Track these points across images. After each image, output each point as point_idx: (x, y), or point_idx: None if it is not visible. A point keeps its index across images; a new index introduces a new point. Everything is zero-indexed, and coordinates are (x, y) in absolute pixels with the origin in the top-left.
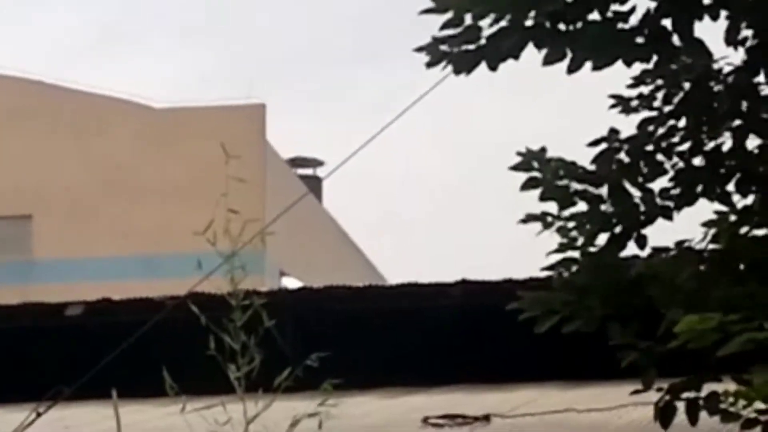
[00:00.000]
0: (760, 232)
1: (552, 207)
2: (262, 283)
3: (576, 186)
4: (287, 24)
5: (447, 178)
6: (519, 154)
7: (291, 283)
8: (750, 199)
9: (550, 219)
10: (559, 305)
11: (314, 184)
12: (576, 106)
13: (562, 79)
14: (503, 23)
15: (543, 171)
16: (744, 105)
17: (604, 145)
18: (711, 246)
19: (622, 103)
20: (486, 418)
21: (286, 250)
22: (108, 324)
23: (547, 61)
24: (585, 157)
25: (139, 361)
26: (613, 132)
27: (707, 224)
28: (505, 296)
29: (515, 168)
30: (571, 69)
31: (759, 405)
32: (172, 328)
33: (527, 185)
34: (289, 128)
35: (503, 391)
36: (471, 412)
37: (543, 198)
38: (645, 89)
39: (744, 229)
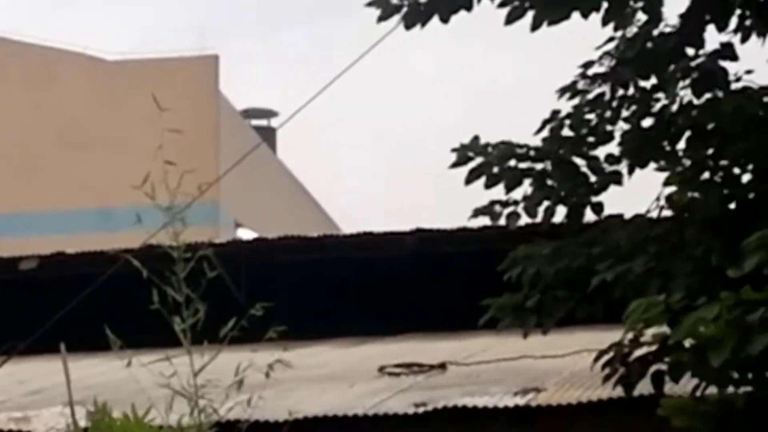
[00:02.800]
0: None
1: (500, 192)
2: (217, 234)
3: (521, 165)
4: None
5: (405, 127)
6: (453, 150)
7: (246, 234)
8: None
9: (498, 208)
10: (530, 308)
11: (269, 135)
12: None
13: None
14: None
15: (485, 156)
16: (689, 52)
17: (549, 126)
18: (664, 212)
19: (568, 90)
20: (442, 366)
21: (241, 202)
22: (62, 277)
23: (509, 21)
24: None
25: (94, 314)
26: (556, 112)
27: (660, 169)
28: (460, 243)
29: (454, 165)
30: (534, 27)
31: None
32: (126, 281)
33: (471, 177)
34: (243, 79)
35: (459, 339)
36: (427, 360)
37: (488, 185)
38: (591, 71)
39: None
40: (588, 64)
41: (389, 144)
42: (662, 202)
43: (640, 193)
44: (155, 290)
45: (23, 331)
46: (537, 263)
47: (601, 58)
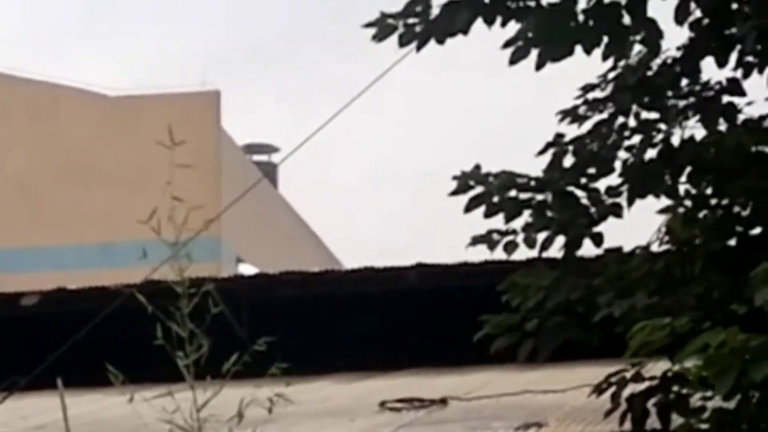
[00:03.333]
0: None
1: (498, 223)
2: (219, 269)
3: (521, 196)
4: (246, 12)
5: (406, 164)
6: (454, 177)
7: (247, 269)
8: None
9: (496, 237)
10: (528, 331)
11: (270, 170)
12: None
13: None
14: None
15: (486, 186)
16: (685, 83)
17: (552, 150)
18: (665, 246)
19: (569, 114)
20: (443, 401)
21: (243, 237)
22: (64, 313)
23: (513, 61)
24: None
25: (96, 349)
26: (559, 136)
27: (662, 211)
28: (460, 279)
29: (454, 193)
30: (539, 65)
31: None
32: (129, 316)
33: (471, 206)
34: (245, 115)
35: (459, 374)
36: (428, 395)
37: (488, 215)
38: (591, 96)
39: (699, 216)
40: (588, 88)
41: (391, 178)
42: (663, 234)
43: (639, 224)
44: (158, 325)
45: (25, 367)
46: (536, 295)
47: (601, 83)
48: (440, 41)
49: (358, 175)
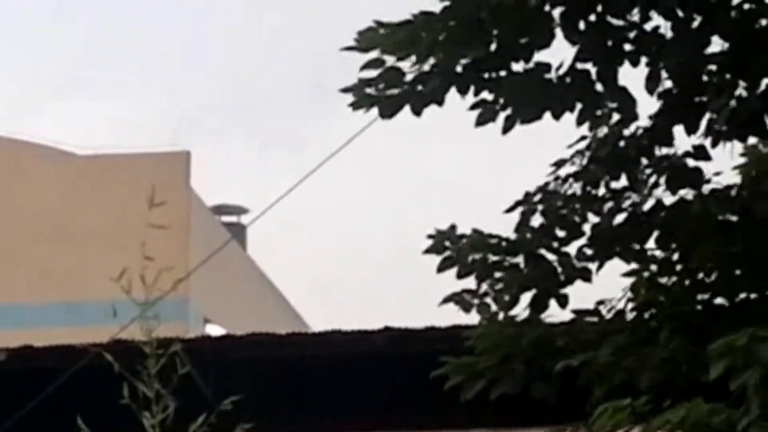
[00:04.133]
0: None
1: (470, 283)
2: (186, 330)
3: (493, 258)
4: (213, 72)
5: (375, 225)
6: (429, 236)
7: (214, 330)
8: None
9: (468, 297)
10: (484, 370)
11: (239, 232)
12: (505, 147)
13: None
14: (426, 67)
15: (457, 250)
16: (658, 151)
17: (521, 209)
18: (630, 304)
19: (540, 191)
20: None
21: (211, 298)
22: (31, 371)
23: (480, 122)
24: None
25: (62, 408)
26: (528, 195)
27: (627, 274)
28: (427, 343)
29: (428, 251)
30: (506, 128)
31: None
32: (95, 375)
33: (443, 266)
34: (214, 176)
35: None
36: None
37: (460, 276)
38: (563, 171)
39: (663, 280)
40: (560, 163)
41: (360, 241)
42: (627, 297)
43: (605, 288)
44: (125, 384)
45: None
46: (497, 334)
47: (573, 156)
48: (416, 112)
49: (328, 236)
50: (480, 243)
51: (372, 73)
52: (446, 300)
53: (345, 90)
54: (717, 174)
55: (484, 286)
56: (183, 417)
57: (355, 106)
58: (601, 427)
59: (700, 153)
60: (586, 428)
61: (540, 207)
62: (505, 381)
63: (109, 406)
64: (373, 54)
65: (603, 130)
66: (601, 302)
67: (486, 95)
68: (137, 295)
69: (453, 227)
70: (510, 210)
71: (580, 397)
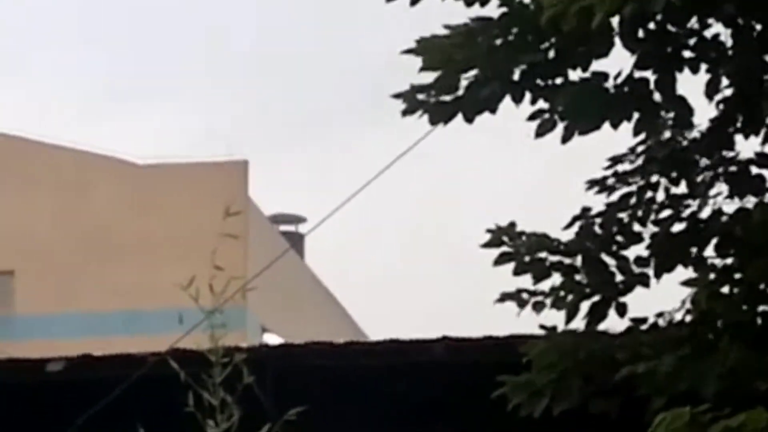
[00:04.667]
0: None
1: (527, 281)
2: (244, 339)
3: (551, 258)
4: (272, 83)
5: (434, 234)
6: (489, 231)
7: (272, 339)
8: (729, 261)
9: (525, 296)
10: (543, 388)
11: (296, 241)
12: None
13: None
14: (481, 74)
15: (516, 246)
16: (718, 156)
17: (579, 223)
18: (689, 316)
19: (598, 184)
20: None
21: (268, 307)
22: (89, 380)
23: (539, 133)
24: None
25: (121, 417)
26: (586, 210)
27: (686, 283)
28: (486, 353)
29: (487, 245)
30: (565, 138)
31: None
32: (155, 384)
33: (500, 260)
34: (272, 185)
35: None
36: None
37: (517, 273)
38: (620, 167)
39: (724, 290)
40: (616, 159)
41: (419, 250)
42: (687, 306)
43: (664, 299)
44: (190, 393)
45: None
46: (556, 350)
47: (629, 154)
48: (469, 119)
49: (386, 246)
50: (538, 243)
51: (428, 78)
52: (502, 298)
53: (396, 96)
54: None
55: (541, 286)
56: (242, 426)
57: (405, 112)
58: None
59: (763, 160)
60: None
61: (598, 220)
62: (565, 397)
63: (169, 415)
64: (431, 61)
65: (662, 136)
66: (660, 314)
67: (542, 104)
68: (197, 304)
69: (512, 224)
70: (568, 226)
71: (639, 410)
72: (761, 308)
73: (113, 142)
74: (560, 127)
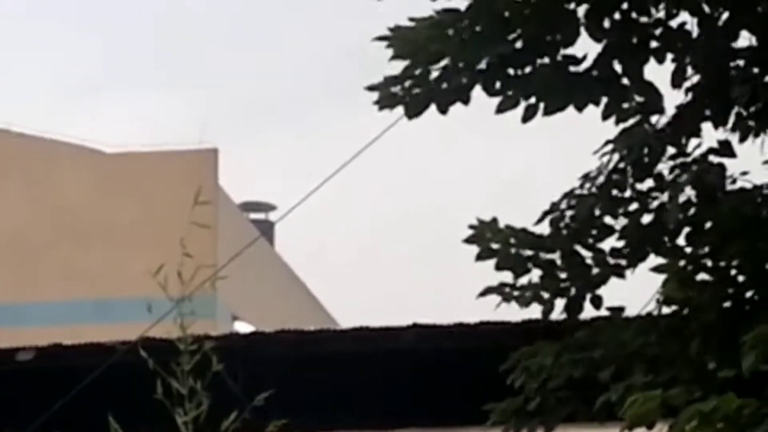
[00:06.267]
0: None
1: (509, 276)
2: (214, 327)
3: (529, 253)
4: (241, 71)
5: (404, 223)
6: (470, 226)
7: (243, 327)
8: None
9: (507, 290)
10: (530, 410)
11: (267, 229)
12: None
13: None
14: (452, 65)
15: (497, 241)
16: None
17: (550, 217)
18: (665, 308)
19: (567, 197)
20: None
21: (239, 295)
22: (59, 369)
23: (500, 109)
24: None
25: (90, 406)
26: (554, 204)
27: (657, 269)
28: (456, 339)
29: (467, 241)
30: (526, 117)
31: None
32: (124, 373)
33: (481, 256)
34: (242, 173)
35: None
36: None
37: (498, 268)
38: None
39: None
40: (587, 177)
41: (389, 239)
42: (660, 297)
43: (637, 291)
44: (159, 381)
45: (20, 423)
46: (539, 376)
47: (599, 168)
48: (442, 110)
49: (356, 234)
50: (516, 237)
51: (398, 67)
52: (484, 292)
53: (371, 88)
54: (744, 173)
55: (522, 281)
56: (211, 414)
57: (380, 105)
58: (632, 417)
59: (725, 149)
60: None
61: (569, 213)
62: (555, 414)
63: (139, 403)
64: (402, 50)
65: (630, 134)
66: (637, 317)
67: (512, 92)
68: (166, 293)
69: (494, 219)
70: (539, 221)
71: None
72: (731, 293)
73: (85, 131)
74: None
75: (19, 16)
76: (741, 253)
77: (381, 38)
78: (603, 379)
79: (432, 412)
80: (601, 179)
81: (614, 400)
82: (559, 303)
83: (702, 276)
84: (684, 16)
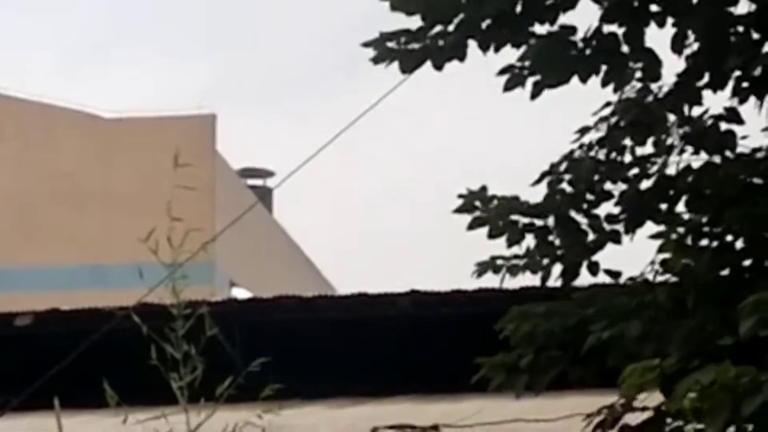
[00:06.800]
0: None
1: (502, 244)
2: (213, 293)
3: (523, 220)
4: (250, 38)
5: (402, 190)
6: (460, 196)
7: (241, 293)
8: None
9: (500, 262)
10: (521, 364)
11: (265, 195)
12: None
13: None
14: (450, 27)
15: (488, 210)
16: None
17: (548, 179)
18: (660, 277)
19: (566, 159)
20: (435, 428)
21: (237, 261)
22: (57, 334)
23: (508, 87)
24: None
25: (88, 371)
26: (554, 165)
27: (655, 236)
28: (454, 305)
29: (458, 211)
30: (534, 94)
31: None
32: (122, 338)
33: (473, 225)
34: (241, 139)
35: (452, 402)
36: (420, 422)
37: (491, 236)
38: (587, 138)
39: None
40: (584, 130)
41: (386, 205)
42: (657, 266)
43: (635, 257)
44: (153, 346)
45: (17, 387)
46: (530, 322)
47: (597, 123)
48: (437, 67)
49: (354, 201)
50: (509, 205)
51: (394, 26)
52: (478, 270)
53: (366, 44)
54: (744, 138)
55: (515, 249)
56: (209, 379)
57: (376, 60)
58: (629, 388)
59: (731, 115)
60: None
61: (567, 176)
62: (545, 371)
63: (135, 368)
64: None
65: (629, 93)
66: (632, 279)
67: (512, 59)
68: (164, 258)
69: (484, 188)
70: (537, 182)
71: (616, 376)
72: (730, 261)
73: (86, 96)
74: (530, 82)
75: None
76: (741, 218)
77: None
78: (594, 330)
79: (429, 379)
80: (597, 136)
81: (605, 339)
82: (556, 271)
83: (700, 243)
84: None
